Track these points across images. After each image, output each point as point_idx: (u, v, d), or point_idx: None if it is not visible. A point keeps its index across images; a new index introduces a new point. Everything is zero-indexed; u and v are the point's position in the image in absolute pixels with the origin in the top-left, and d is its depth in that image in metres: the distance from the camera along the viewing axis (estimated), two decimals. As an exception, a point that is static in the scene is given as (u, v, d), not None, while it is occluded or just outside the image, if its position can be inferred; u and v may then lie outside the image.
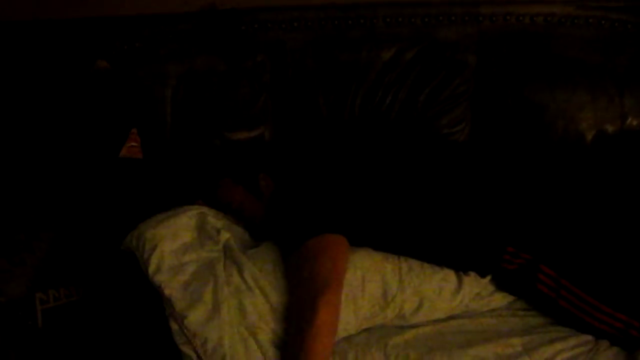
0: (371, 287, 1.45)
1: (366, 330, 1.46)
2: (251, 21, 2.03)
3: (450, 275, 1.50)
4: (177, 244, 1.50)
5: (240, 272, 1.45)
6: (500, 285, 1.51)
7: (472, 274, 1.50)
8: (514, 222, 1.50)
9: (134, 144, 1.81)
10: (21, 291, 1.48)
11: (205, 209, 1.63)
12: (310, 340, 1.29)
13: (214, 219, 1.61)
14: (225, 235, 1.57)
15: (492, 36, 1.99)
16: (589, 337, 1.40)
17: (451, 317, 1.49)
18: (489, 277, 1.51)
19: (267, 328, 1.38)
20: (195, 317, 1.37)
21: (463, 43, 1.98)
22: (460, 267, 1.50)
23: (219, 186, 1.72)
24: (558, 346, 1.36)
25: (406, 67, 1.95)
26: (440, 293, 1.47)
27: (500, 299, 1.52)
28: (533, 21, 2.00)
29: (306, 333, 1.30)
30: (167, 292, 1.41)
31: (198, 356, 1.35)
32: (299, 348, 1.30)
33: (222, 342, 1.34)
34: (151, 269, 1.45)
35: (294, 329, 1.35)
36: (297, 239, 1.46)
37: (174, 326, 1.39)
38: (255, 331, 1.37)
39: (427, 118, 1.91)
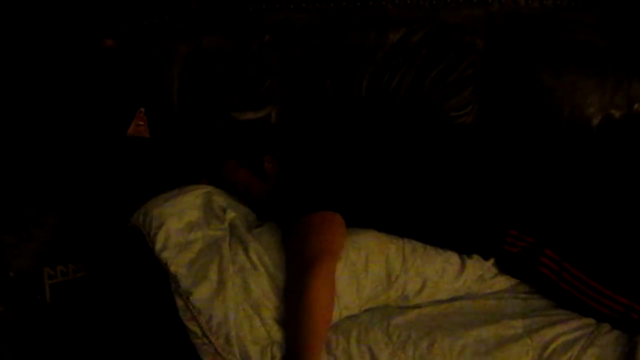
0: (375, 267, 1.46)
1: (369, 310, 1.47)
2: (259, 1, 2.02)
3: (454, 257, 1.51)
4: (184, 222, 1.52)
5: (246, 250, 1.47)
6: (503, 267, 1.52)
7: (475, 256, 1.51)
8: (517, 205, 1.51)
9: (141, 123, 1.81)
10: (30, 266, 1.50)
11: (211, 188, 1.64)
12: (305, 315, 1.31)
13: (219, 198, 1.62)
14: (230, 214, 1.58)
15: (500, 19, 1.98)
16: (590, 320, 1.41)
17: (453, 299, 1.50)
18: (492, 260, 1.52)
19: (271, 305, 1.40)
20: (200, 294, 1.39)
21: (471, 26, 1.96)
22: (464, 250, 1.51)
23: (224, 167, 1.72)
24: (559, 329, 1.37)
25: (414, 49, 1.94)
26: (443, 275, 1.49)
27: (503, 282, 1.53)
28: (542, 5, 1.98)
29: (300, 308, 1.32)
30: (173, 269, 1.42)
31: (203, 332, 1.37)
32: (296, 324, 1.32)
33: (227, 319, 1.36)
34: (158, 246, 1.46)
35: (290, 304, 1.37)
36: (293, 217, 1.48)
37: (180, 303, 1.40)
38: (259, 308, 1.39)
39: (434, 101, 1.91)
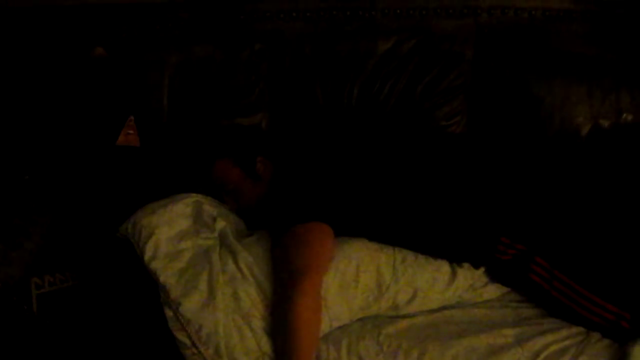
0: (365, 277, 1.46)
1: (360, 319, 1.47)
2: (250, 10, 2.03)
3: (444, 266, 1.51)
4: (173, 232, 1.50)
5: (235, 260, 1.46)
6: (494, 276, 1.52)
7: (466, 265, 1.51)
8: (508, 213, 1.51)
9: (131, 131, 1.80)
10: (17, 276, 1.48)
11: (201, 197, 1.63)
12: (290, 332, 1.30)
13: (210, 207, 1.61)
14: (221, 224, 1.57)
15: (490, 29, 2.00)
16: (581, 329, 1.41)
17: (444, 308, 1.50)
18: (482, 269, 1.52)
19: (261, 316, 1.39)
20: (190, 305, 1.38)
21: (461, 36, 1.97)
22: (455, 258, 1.51)
23: (217, 165, 1.71)
24: (550, 337, 1.38)
25: (404, 58, 1.95)
26: (433, 284, 1.48)
27: (494, 291, 1.53)
28: (531, 15, 2.00)
29: (285, 325, 1.31)
30: (162, 279, 1.41)
31: (193, 343, 1.36)
32: (282, 340, 1.32)
33: (217, 329, 1.35)
34: (147, 256, 1.45)
35: (276, 319, 1.36)
36: (281, 228, 1.47)
37: (169, 313, 1.39)
38: (249, 319, 1.38)
39: (424, 110, 1.91)
